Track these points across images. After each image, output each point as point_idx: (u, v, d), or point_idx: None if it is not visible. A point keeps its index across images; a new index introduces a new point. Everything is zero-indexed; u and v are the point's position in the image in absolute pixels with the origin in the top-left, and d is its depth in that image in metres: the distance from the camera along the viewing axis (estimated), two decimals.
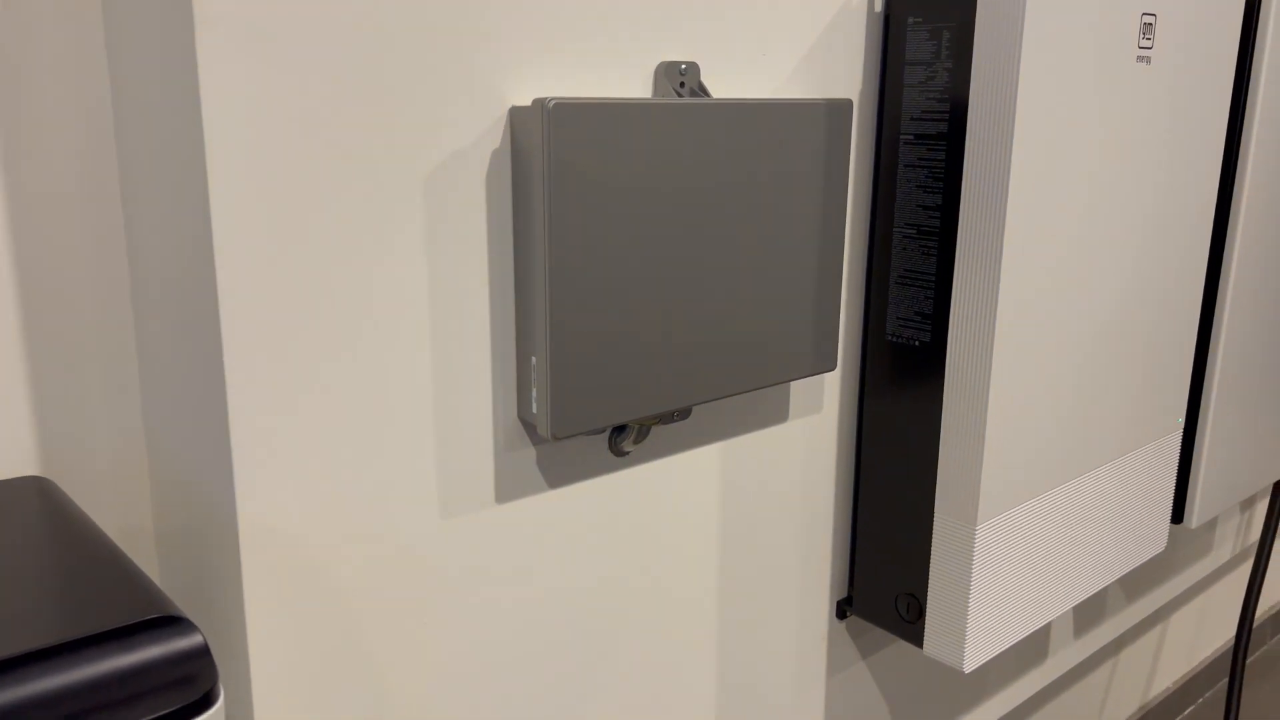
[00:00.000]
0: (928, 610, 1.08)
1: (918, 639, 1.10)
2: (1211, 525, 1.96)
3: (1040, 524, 1.11)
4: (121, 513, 0.83)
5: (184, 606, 0.83)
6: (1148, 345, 1.20)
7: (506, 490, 0.86)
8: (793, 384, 1.08)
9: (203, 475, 0.75)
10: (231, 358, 0.69)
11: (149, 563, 0.86)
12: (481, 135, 0.77)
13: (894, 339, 1.06)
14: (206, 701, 0.55)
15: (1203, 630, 2.28)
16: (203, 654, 0.55)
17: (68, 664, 0.52)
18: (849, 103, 0.94)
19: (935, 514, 1.05)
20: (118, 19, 0.73)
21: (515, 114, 0.78)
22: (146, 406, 0.82)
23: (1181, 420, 1.31)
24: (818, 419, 1.11)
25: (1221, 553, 2.02)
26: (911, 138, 1.01)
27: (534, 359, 0.81)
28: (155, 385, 0.80)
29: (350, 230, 0.72)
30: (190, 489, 0.77)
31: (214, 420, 0.71)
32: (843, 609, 1.20)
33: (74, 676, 0.52)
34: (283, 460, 0.72)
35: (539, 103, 0.74)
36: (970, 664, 1.07)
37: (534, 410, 0.82)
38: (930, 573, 1.07)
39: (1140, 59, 1.05)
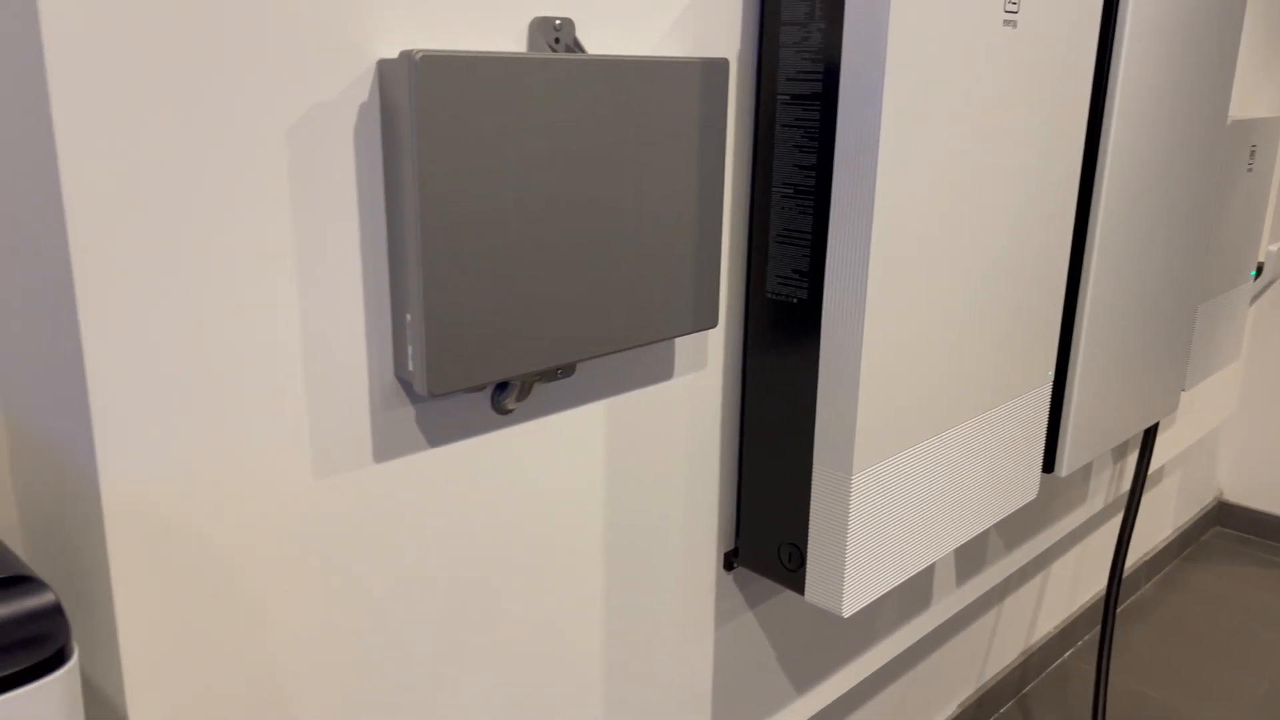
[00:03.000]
0: (808, 558, 1.12)
1: (800, 586, 1.14)
2: (1086, 475, 2.06)
3: (915, 473, 1.16)
4: None
5: (48, 577, 0.81)
6: (1019, 300, 1.26)
7: (385, 449, 0.86)
8: (677, 341, 1.09)
9: (63, 444, 0.73)
10: (87, 319, 0.67)
11: (11, 539, 0.84)
12: (348, 88, 0.76)
13: (774, 296, 1.09)
14: (59, 659, 0.55)
15: (1081, 577, 2.40)
16: (54, 613, 0.55)
17: None
18: (725, 62, 0.95)
19: (814, 465, 1.09)
20: None
21: (383, 67, 0.77)
22: (3, 382, 0.79)
23: (1051, 373, 1.37)
24: (702, 375, 1.13)
25: (1096, 502, 2.13)
26: (788, 98, 1.03)
27: (409, 315, 0.81)
28: (10, 358, 0.77)
29: (211, 186, 0.71)
30: (51, 460, 0.75)
31: (72, 385, 0.69)
32: (730, 560, 1.23)
33: None
34: (145, 422, 0.71)
35: (406, 55, 0.74)
36: (849, 608, 1.11)
37: (410, 368, 0.82)
38: (810, 522, 1.11)
39: (1007, 22, 1.08)
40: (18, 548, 0.84)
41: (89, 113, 0.65)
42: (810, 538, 1.11)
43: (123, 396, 0.69)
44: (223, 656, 0.79)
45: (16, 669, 0.53)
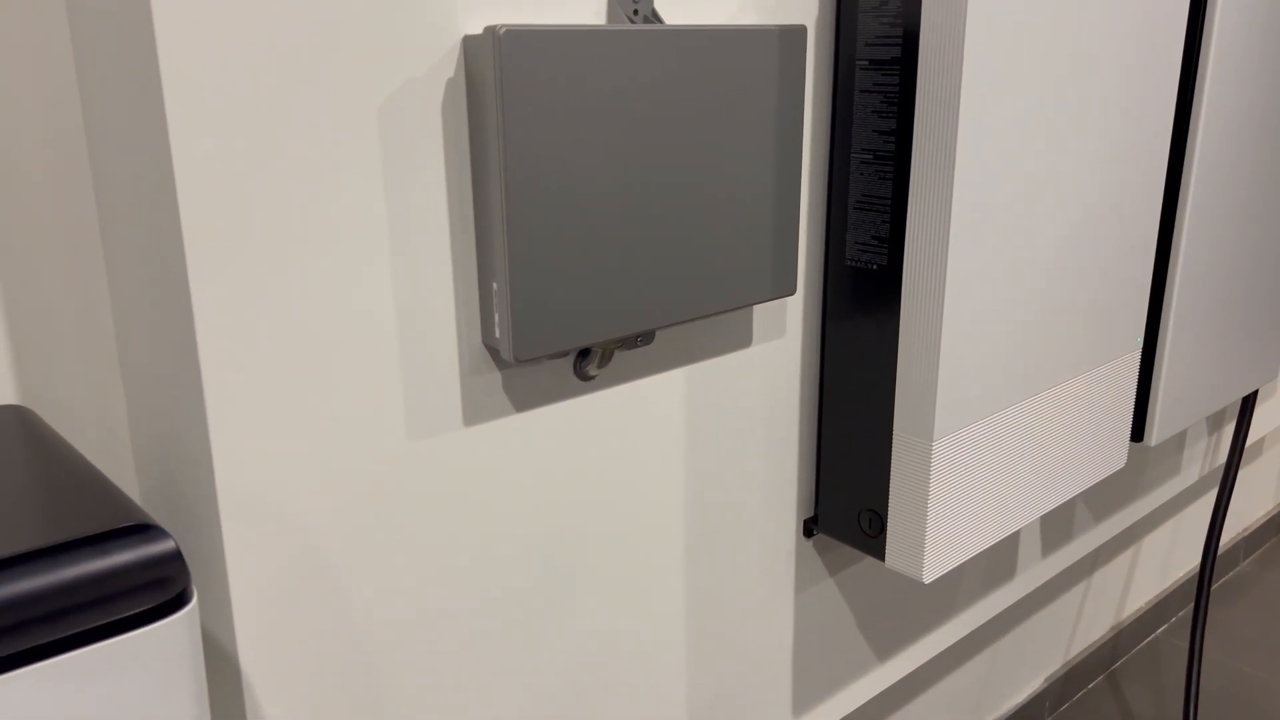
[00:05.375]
0: (889, 524, 1.12)
1: (880, 552, 1.15)
2: (1180, 446, 2.01)
3: (998, 441, 1.15)
4: (98, 446, 0.87)
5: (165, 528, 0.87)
6: (1106, 265, 1.23)
7: (473, 413, 0.89)
8: (756, 309, 1.10)
9: (176, 407, 0.78)
10: (198, 292, 0.71)
11: (129, 492, 0.89)
12: (435, 64, 0.79)
13: (853, 263, 1.09)
14: (180, 601, 0.59)
15: (1175, 552, 2.34)
16: (174, 558, 0.59)
17: (46, 568, 0.56)
18: (803, 28, 0.96)
19: (894, 431, 1.09)
20: None
21: (468, 42, 0.80)
22: (121, 343, 0.85)
23: (1140, 340, 1.34)
24: (781, 343, 1.14)
25: (1190, 474, 2.08)
26: (866, 63, 1.02)
27: (495, 285, 0.84)
28: (128, 327, 0.82)
29: (307, 163, 0.74)
30: (165, 424, 0.80)
31: (184, 352, 0.74)
32: (809, 527, 1.24)
33: (52, 578, 0.55)
34: (251, 388, 0.75)
35: (490, 30, 0.76)
36: (930, 574, 1.11)
37: (497, 335, 0.85)
38: (890, 488, 1.11)
39: None
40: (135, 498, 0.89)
41: (197, 97, 0.69)
42: (890, 504, 1.12)
43: (230, 364, 0.74)
44: (322, 605, 0.83)
45: (142, 609, 0.58)
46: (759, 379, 1.13)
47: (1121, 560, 2.14)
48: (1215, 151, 1.34)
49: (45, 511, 0.61)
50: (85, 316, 0.83)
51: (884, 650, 1.46)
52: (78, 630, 0.56)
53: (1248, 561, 2.65)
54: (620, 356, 0.99)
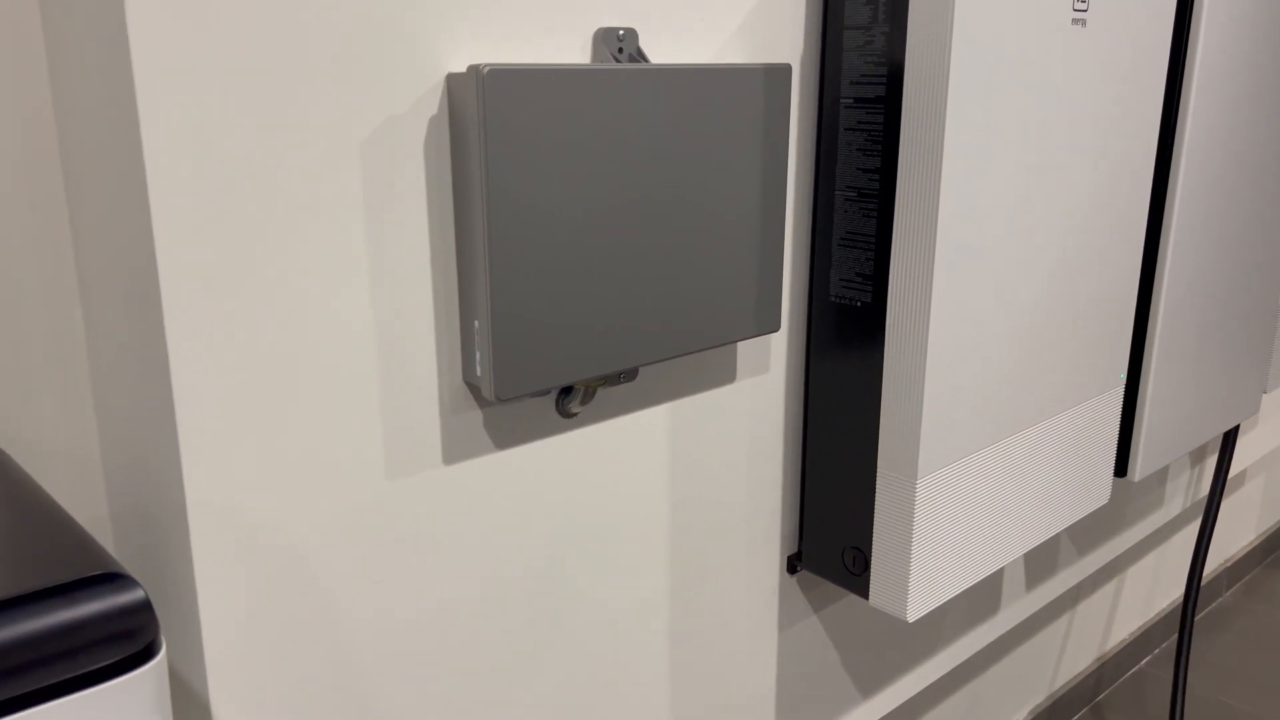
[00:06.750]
0: (873, 563, 1.12)
1: (864, 591, 1.14)
2: (1162, 479, 2.01)
3: (982, 478, 1.15)
4: (72, 488, 0.85)
5: (137, 574, 0.85)
6: (1089, 303, 1.23)
7: (454, 452, 0.88)
8: (739, 345, 1.10)
9: (150, 445, 0.76)
10: (173, 327, 0.70)
11: (103, 535, 0.88)
12: (418, 102, 0.79)
13: (837, 300, 1.09)
14: (149, 653, 0.57)
15: (1158, 583, 2.34)
16: (144, 608, 0.57)
17: (11, 619, 0.54)
18: (788, 67, 0.96)
19: (878, 469, 1.08)
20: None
21: (452, 81, 0.80)
22: (96, 384, 0.83)
23: (1123, 376, 1.34)
24: (765, 379, 1.13)
25: (1173, 507, 2.08)
26: (851, 101, 1.02)
27: (477, 323, 0.83)
28: (103, 363, 0.81)
29: (288, 199, 0.74)
30: (139, 462, 0.79)
31: (158, 391, 0.73)
32: (793, 564, 1.23)
33: (17, 630, 0.54)
34: (227, 426, 0.74)
35: (474, 69, 0.76)
36: (914, 614, 1.10)
37: (478, 373, 0.84)
38: (874, 526, 1.10)
39: (1076, 21, 1.07)
40: (107, 542, 0.88)
41: (174, 131, 0.68)
42: (874, 542, 1.11)
43: (205, 402, 0.73)
44: (299, 650, 0.82)
45: (109, 662, 0.56)
46: (743, 415, 1.12)
47: (1105, 592, 2.14)
48: (1196, 188, 1.35)
49: (11, 558, 0.59)
50: (59, 353, 0.82)
51: (868, 686, 1.44)
52: (41, 685, 0.54)
53: (1230, 592, 2.65)
54: (603, 393, 0.98)
